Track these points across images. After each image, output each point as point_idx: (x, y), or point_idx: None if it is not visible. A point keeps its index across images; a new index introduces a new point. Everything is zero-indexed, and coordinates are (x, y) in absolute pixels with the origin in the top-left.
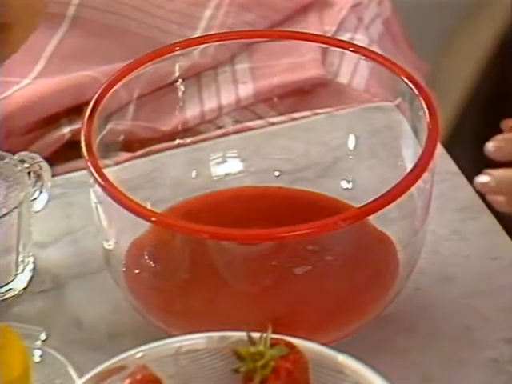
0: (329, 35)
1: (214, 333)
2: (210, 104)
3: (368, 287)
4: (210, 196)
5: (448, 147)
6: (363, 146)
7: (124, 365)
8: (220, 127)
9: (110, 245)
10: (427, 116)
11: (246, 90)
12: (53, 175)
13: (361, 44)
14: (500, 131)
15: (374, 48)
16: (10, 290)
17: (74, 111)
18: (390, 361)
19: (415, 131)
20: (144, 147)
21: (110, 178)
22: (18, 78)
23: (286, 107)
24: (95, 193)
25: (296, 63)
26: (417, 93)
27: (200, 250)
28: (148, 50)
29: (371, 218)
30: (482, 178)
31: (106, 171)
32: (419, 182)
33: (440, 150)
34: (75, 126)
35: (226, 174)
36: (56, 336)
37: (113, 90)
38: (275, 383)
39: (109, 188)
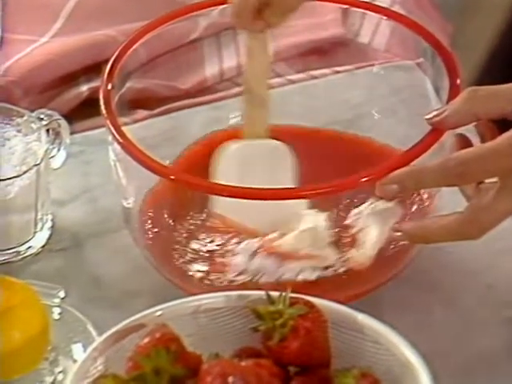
0: None
1: (232, 291)
2: (229, 62)
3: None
4: None
5: None
6: (383, 104)
7: (143, 323)
8: (239, 85)
9: (128, 203)
10: (449, 75)
11: None
12: (71, 133)
13: (382, 5)
14: None
15: (396, 8)
16: (28, 248)
17: (91, 69)
18: (409, 320)
19: (436, 90)
20: (163, 105)
21: (129, 135)
22: (35, 36)
23: (306, 66)
24: (114, 151)
25: (316, 23)
26: (438, 51)
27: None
28: (167, 11)
29: None
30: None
31: (124, 129)
32: (441, 140)
33: None
34: (93, 84)
35: None
36: (75, 294)
37: (132, 48)
38: (294, 342)
39: (127, 146)
